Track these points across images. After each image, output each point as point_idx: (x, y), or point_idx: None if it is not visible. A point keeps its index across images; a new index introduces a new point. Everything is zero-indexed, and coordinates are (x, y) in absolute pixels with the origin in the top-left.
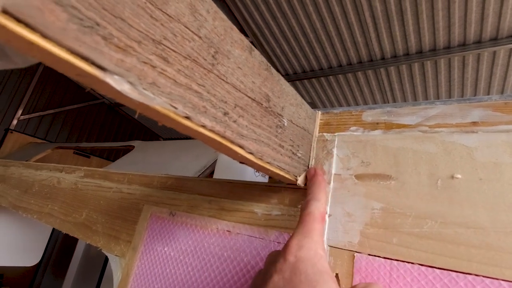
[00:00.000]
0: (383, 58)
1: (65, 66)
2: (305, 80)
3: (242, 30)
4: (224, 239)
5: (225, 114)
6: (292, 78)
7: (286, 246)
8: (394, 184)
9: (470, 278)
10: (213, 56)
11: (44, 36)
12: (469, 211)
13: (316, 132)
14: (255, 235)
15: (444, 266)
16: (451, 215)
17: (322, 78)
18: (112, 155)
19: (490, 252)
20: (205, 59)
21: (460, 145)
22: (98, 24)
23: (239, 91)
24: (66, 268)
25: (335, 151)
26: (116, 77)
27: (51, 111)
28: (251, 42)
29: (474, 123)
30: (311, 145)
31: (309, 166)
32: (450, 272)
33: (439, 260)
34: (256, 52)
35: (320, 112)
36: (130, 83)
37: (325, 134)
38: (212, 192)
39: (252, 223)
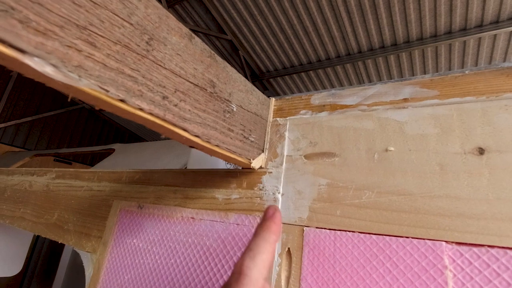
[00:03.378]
0: (360, 52)
1: None
2: (286, 76)
3: (221, 30)
4: (189, 225)
5: (164, 98)
6: (273, 74)
7: (236, 265)
8: (338, 160)
9: (401, 240)
10: (147, 43)
11: None
12: (400, 180)
13: (270, 118)
14: (216, 219)
15: (379, 231)
16: (385, 185)
17: (303, 74)
18: (96, 160)
19: (417, 215)
20: (138, 45)
21: (393, 121)
22: (13, 8)
23: (179, 76)
24: (53, 277)
25: (287, 134)
26: (36, 59)
27: (29, 119)
28: (230, 41)
29: (405, 100)
30: (265, 130)
31: (264, 150)
32: (385, 236)
33: (375, 227)
34: (197, 40)
35: (273, 99)
36: (53, 65)
37: (278, 119)
38: (177, 182)
39: (214, 208)
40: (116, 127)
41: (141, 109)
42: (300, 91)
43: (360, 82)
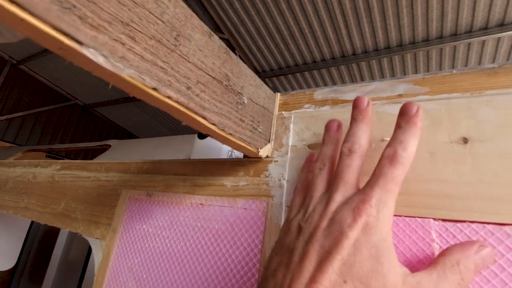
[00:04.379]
0: (354, 54)
1: (49, 40)
2: (282, 76)
3: (218, 29)
4: (198, 211)
5: (188, 88)
6: (269, 74)
7: (360, 209)
8: None
9: (395, 219)
10: (175, 38)
11: (32, 14)
12: None
13: (276, 111)
14: (225, 205)
15: None
16: None
17: (298, 74)
18: (89, 157)
19: (410, 196)
20: (168, 41)
21: (389, 114)
22: (74, 6)
23: (201, 69)
24: (44, 273)
25: (291, 126)
26: (91, 50)
27: (20, 114)
28: (227, 40)
29: (400, 95)
30: (271, 122)
31: (270, 140)
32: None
33: None
34: (215, 37)
35: (279, 94)
36: (104, 56)
37: (283, 112)
38: (186, 171)
39: (222, 195)
40: (110, 124)
41: (169, 97)
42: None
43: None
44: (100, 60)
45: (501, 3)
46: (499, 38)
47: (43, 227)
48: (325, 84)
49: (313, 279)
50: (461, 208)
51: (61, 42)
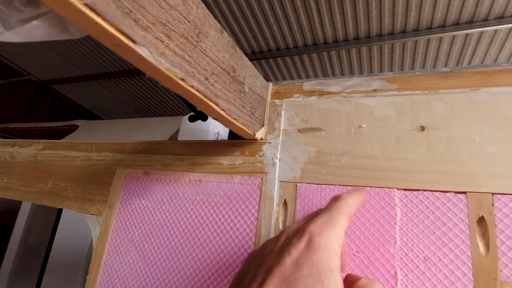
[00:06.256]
0: (325, 43)
1: (111, 39)
2: (255, 61)
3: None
4: (196, 187)
5: (206, 78)
6: (250, 58)
7: (306, 228)
8: (324, 134)
9: (368, 189)
10: (197, 36)
11: (104, 18)
12: (369, 148)
13: (269, 99)
14: (222, 181)
15: (354, 184)
16: (359, 151)
17: (271, 60)
18: (45, 137)
19: (380, 172)
20: (192, 38)
21: (366, 105)
22: (131, 11)
23: (215, 62)
24: (0, 261)
25: (283, 113)
26: (142, 47)
27: None
28: None
29: (375, 90)
30: (265, 108)
31: (264, 125)
32: (357, 187)
33: (351, 181)
34: (225, 34)
35: (271, 84)
36: (150, 52)
37: (275, 100)
38: (183, 151)
39: (220, 172)
40: (69, 103)
41: (192, 87)
42: (266, 76)
43: (324, 71)
44: (147, 55)
45: (457, 4)
46: (454, 36)
47: None
48: (297, 71)
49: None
50: (417, 180)
51: (121, 41)
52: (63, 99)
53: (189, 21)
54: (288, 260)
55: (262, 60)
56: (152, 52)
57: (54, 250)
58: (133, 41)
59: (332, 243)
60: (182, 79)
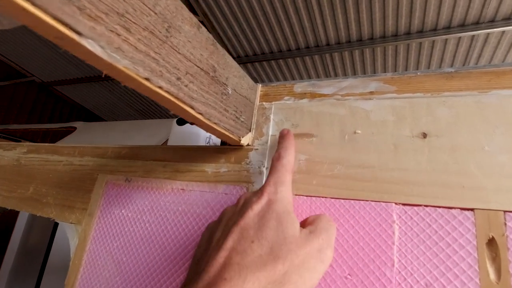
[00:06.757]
0: (328, 44)
1: (49, 29)
2: (256, 63)
3: (192, 10)
4: (179, 196)
5: (178, 79)
6: (243, 60)
7: (263, 190)
8: (315, 140)
9: (363, 203)
10: (166, 30)
11: (34, 4)
12: (365, 156)
13: (257, 102)
14: (206, 190)
15: (347, 196)
16: (353, 160)
17: (272, 61)
18: (48, 139)
19: (376, 183)
20: (160, 32)
21: (361, 109)
22: None
23: (190, 61)
24: (0, 262)
25: (272, 116)
26: (90, 40)
27: None
28: (201, 22)
29: (371, 92)
30: (253, 112)
31: (251, 130)
32: (350, 200)
33: (344, 193)
34: (203, 29)
35: (260, 85)
36: (101, 46)
37: (264, 103)
38: (166, 157)
39: (204, 180)
40: (72, 105)
41: (160, 87)
42: (269, 78)
43: (327, 73)
44: (98, 50)
45: (463, 4)
46: (459, 38)
47: None
48: (299, 73)
49: (219, 244)
50: (418, 194)
51: (61, 32)
52: (65, 100)
53: (155, 13)
54: (251, 213)
55: (264, 62)
56: (104, 47)
57: (54, 251)
58: (78, 33)
59: (286, 195)
60: (147, 79)
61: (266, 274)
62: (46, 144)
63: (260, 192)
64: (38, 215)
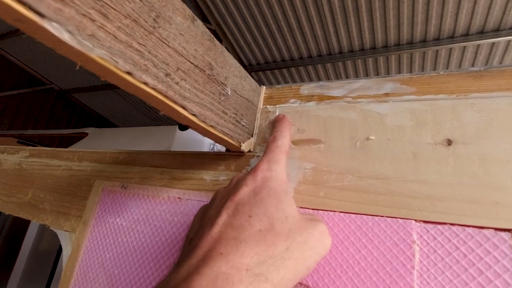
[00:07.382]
0: (341, 52)
1: (5, 9)
2: (268, 71)
3: (205, 19)
4: (175, 205)
5: (167, 75)
6: (255, 68)
7: (257, 168)
8: (323, 147)
9: (377, 219)
10: (154, 20)
11: None
12: (378, 166)
13: (261, 105)
14: (204, 199)
15: (358, 211)
16: (365, 170)
17: (284, 69)
18: (64, 144)
19: (392, 197)
20: (146, 21)
21: (375, 112)
22: None
23: (181, 56)
24: (11, 269)
25: None
26: (54, 24)
27: None
28: (214, 31)
29: (387, 94)
30: (255, 115)
31: (253, 135)
32: (362, 215)
33: (354, 207)
34: (199, 22)
35: (264, 87)
36: (69, 32)
37: (268, 106)
38: (164, 163)
39: (201, 189)
40: (89, 112)
41: (145, 83)
42: None
43: None
44: (65, 36)
45: (482, 11)
46: (478, 45)
47: (11, 216)
48: (311, 81)
49: (212, 220)
50: (442, 210)
51: (18, 13)
52: (82, 108)
53: (140, 0)
54: (246, 189)
55: (276, 70)
56: (73, 33)
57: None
58: (40, 15)
59: (281, 173)
60: (129, 73)
61: (266, 249)
62: (47, 148)
63: (253, 170)
64: (34, 221)
